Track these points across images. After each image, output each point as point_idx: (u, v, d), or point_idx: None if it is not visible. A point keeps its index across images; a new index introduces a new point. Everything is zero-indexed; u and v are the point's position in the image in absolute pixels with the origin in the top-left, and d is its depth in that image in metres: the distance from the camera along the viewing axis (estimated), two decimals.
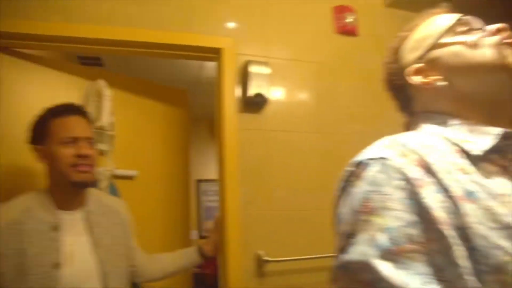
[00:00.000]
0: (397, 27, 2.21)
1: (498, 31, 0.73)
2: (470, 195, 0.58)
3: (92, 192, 1.50)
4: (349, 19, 2.16)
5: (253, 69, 1.83)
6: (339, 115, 2.05)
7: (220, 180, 1.84)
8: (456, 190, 0.59)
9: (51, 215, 1.33)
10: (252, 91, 1.82)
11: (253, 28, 2.00)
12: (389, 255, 0.54)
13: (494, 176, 0.63)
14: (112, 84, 2.03)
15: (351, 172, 0.68)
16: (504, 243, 0.54)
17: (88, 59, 3.47)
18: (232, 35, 1.95)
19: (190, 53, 1.91)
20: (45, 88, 1.95)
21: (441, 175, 0.60)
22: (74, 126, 1.38)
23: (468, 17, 0.77)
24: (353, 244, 0.59)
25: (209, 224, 5.71)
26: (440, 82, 0.75)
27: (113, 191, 1.98)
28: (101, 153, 1.90)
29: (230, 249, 1.74)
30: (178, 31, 1.87)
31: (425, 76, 0.78)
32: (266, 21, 2.03)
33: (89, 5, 1.80)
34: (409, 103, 0.85)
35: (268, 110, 1.93)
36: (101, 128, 1.89)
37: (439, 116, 0.75)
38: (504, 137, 0.66)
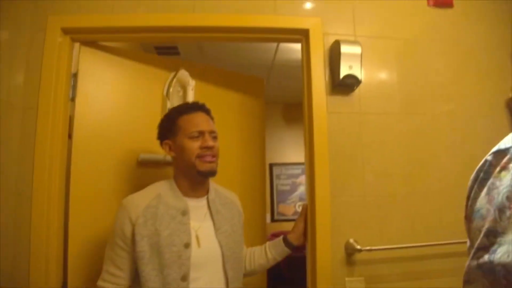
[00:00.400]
0: None
1: None
2: None
3: (211, 184, 1.64)
4: None
5: (344, 49, 1.73)
6: (433, 96, 1.90)
7: (309, 166, 1.78)
8: None
9: (179, 202, 1.49)
10: (343, 72, 1.72)
11: (339, 6, 1.89)
12: None
13: None
14: (189, 73, 2.06)
15: (491, 162, 0.60)
16: None
17: (164, 49, 3.51)
18: (317, 15, 1.86)
19: (275, 36, 1.86)
20: (127, 79, 2.01)
21: None
22: (200, 121, 1.54)
23: None
24: (502, 244, 0.51)
25: (281, 208, 5.77)
26: None
27: None
28: None
29: (319, 237, 1.69)
30: (262, 14, 1.82)
31: None
32: None
33: None
34: None
35: (358, 91, 1.83)
36: None
37: None
38: None
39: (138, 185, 1.92)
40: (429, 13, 1.98)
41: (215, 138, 1.56)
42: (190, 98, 2.02)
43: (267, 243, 1.79)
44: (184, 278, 1.37)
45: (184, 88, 2.08)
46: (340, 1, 1.90)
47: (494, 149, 0.61)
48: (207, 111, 1.62)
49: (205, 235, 1.48)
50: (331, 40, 1.83)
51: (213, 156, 1.52)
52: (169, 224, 1.41)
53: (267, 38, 1.90)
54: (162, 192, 1.49)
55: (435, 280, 1.76)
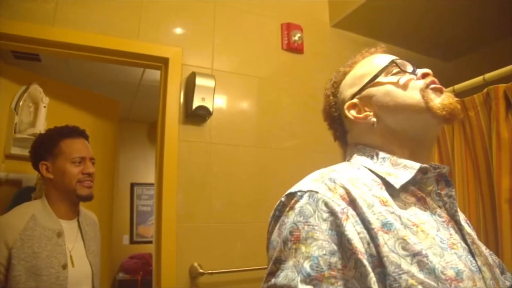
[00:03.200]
0: (342, 47, 2.35)
1: (424, 75, 0.79)
2: (386, 226, 0.64)
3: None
4: (296, 36, 2.22)
5: (198, 81, 1.82)
6: (281, 131, 2.10)
7: (158, 192, 1.82)
8: (375, 222, 0.64)
9: (54, 223, 1.50)
10: (196, 103, 1.81)
11: (200, 39, 2.00)
12: (311, 280, 0.60)
13: (412, 207, 0.71)
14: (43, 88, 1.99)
15: (284, 203, 0.72)
16: (412, 268, 0.61)
17: (23, 54, 3.25)
18: (179, 45, 1.93)
19: (136, 61, 1.88)
20: None
21: (364, 209, 0.65)
22: (82, 147, 1.60)
23: (401, 60, 0.83)
24: (282, 269, 0.64)
25: (141, 229, 5.56)
26: (371, 117, 0.81)
27: None
28: None
29: (164, 261, 1.73)
30: (125, 38, 1.83)
31: (359, 111, 0.83)
32: (214, 33, 2.04)
33: (33, 4, 1.71)
34: (344, 134, 0.90)
35: (210, 123, 1.94)
36: (35, 135, 1.82)
37: (369, 149, 0.81)
38: (422, 171, 0.74)
39: None
40: (283, 56, 2.20)
41: (93, 164, 1.63)
42: (42, 115, 1.94)
43: None
44: None
45: (36, 104, 1.98)
46: (202, 35, 2.01)
47: (287, 191, 0.73)
48: (87, 138, 1.68)
49: (78, 255, 1.54)
50: (189, 71, 1.91)
51: (92, 181, 1.60)
52: (47, 246, 1.43)
53: (129, 62, 1.91)
54: (36, 213, 1.48)
55: None
